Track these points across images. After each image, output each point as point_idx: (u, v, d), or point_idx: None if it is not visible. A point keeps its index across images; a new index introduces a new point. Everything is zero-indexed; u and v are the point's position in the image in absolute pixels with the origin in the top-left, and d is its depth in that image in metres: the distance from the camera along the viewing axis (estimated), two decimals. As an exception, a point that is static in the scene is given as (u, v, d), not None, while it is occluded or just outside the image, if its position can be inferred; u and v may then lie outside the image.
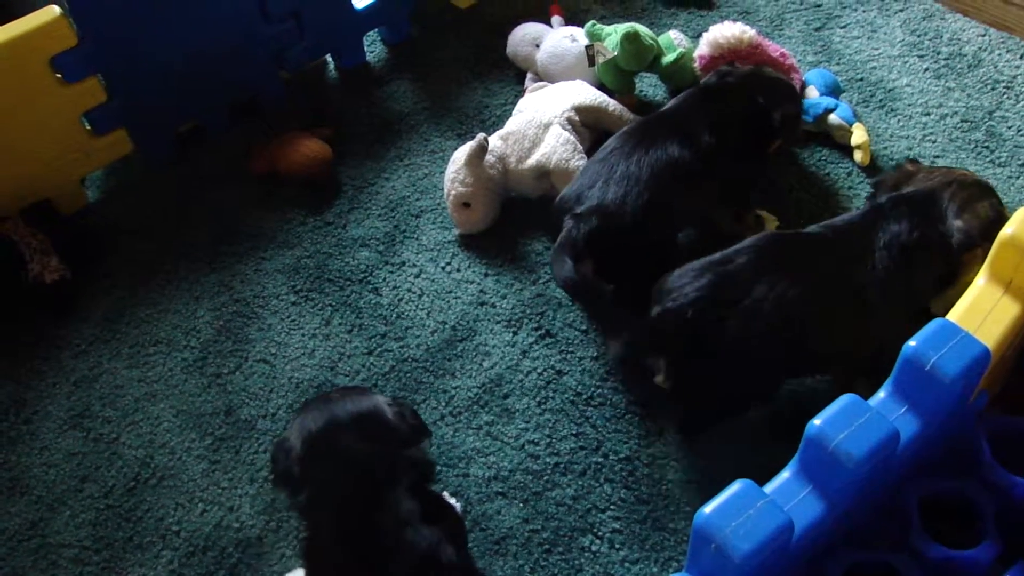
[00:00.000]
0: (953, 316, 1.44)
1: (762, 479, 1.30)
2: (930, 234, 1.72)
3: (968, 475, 1.51)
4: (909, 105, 2.37)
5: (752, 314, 1.64)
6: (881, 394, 1.40)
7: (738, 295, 1.65)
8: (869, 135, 2.26)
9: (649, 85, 2.48)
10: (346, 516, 1.44)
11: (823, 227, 1.80)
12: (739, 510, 1.19)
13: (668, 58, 2.36)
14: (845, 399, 1.29)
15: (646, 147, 1.90)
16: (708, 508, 1.20)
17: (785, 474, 1.32)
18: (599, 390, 1.91)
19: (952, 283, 1.81)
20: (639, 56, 2.31)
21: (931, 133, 2.30)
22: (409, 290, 2.11)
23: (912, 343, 1.34)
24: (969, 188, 1.77)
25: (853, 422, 1.26)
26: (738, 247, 1.74)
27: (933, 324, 1.37)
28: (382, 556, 1.40)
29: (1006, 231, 1.47)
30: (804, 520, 1.27)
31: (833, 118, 2.26)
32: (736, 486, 1.21)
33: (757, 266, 1.68)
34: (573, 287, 1.84)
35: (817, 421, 1.27)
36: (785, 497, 1.29)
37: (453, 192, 2.14)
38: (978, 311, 1.46)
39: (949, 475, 1.51)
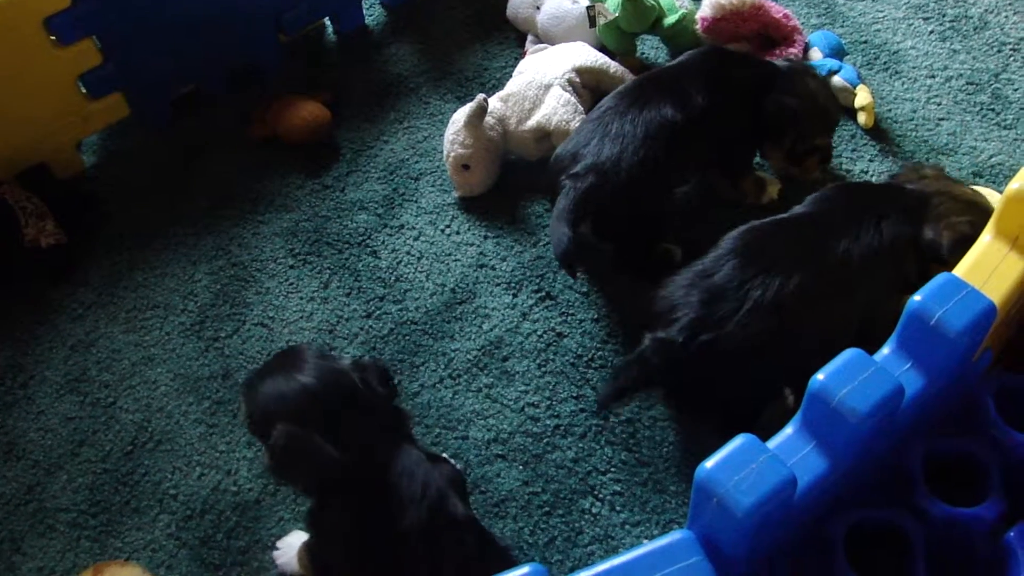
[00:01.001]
0: (959, 271, 1.42)
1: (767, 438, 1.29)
2: (910, 231, 1.72)
3: (973, 433, 1.50)
4: (914, 67, 2.34)
5: (748, 325, 1.60)
6: (885, 350, 1.38)
7: (729, 308, 1.61)
8: (873, 97, 2.23)
9: (651, 47, 2.45)
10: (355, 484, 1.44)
11: (808, 205, 1.79)
12: (741, 464, 1.17)
13: (670, 20, 2.33)
14: (849, 353, 1.27)
15: (640, 106, 1.88)
16: (710, 462, 1.18)
17: (788, 430, 1.30)
18: (600, 352, 1.89)
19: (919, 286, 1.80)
20: (640, 17, 2.29)
21: (936, 95, 2.28)
22: (408, 253, 2.09)
23: (917, 297, 1.33)
24: (957, 202, 1.76)
25: (857, 377, 1.24)
26: (718, 252, 1.69)
27: (938, 279, 1.35)
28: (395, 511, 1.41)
29: (1012, 186, 1.45)
30: (807, 476, 1.26)
31: (837, 80, 2.23)
32: (738, 440, 1.20)
33: (742, 271, 1.64)
34: (566, 259, 1.82)
35: (821, 376, 1.25)
36: (788, 452, 1.27)
37: (452, 154, 2.11)
38: (984, 267, 1.44)
39: (954, 433, 1.49)
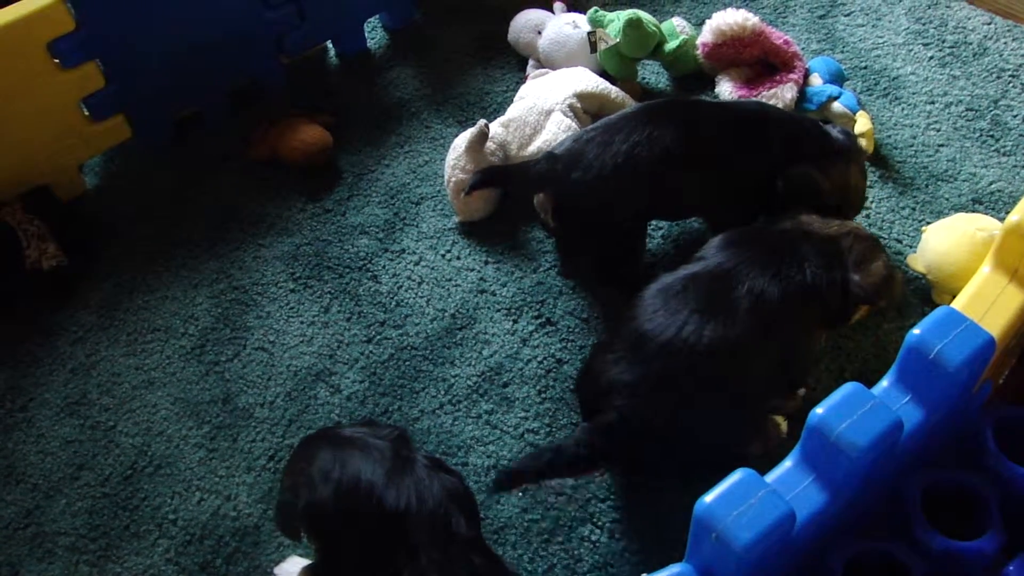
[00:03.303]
0: (958, 304, 1.43)
1: (765, 471, 1.29)
2: (836, 275, 1.68)
3: (972, 466, 1.50)
4: (913, 93, 2.35)
5: (685, 394, 1.57)
6: (884, 383, 1.38)
7: (662, 378, 1.58)
8: (873, 123, 2.24)
9: (652, 72, 2.46)
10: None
11: (718, 252, 1.71)
12: (740, 499, 1.17)
13: (670, 45, 2.34)
14: (848, 388, 1.27)
15: (643, 126, 1.87)
16: (709, 497, 1.19)
17: (787, 463, 1.30)
18: (600, 379, 1.89)
19: (838, 326, 1.81)
20: (641, 43, 2.30)
21: (935, 122, 2.28)
22: (409, 278, 2.09)
23: (916, 331, 1.33)
24: (864, 242, 1.73)
25: (856, 411, 1.24)
26: (635, 314, 1.65)
27: (937, 312, 1.35)
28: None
29: (1011, 219, 1.46)
30: (806, 510, 1.26)
31: (837, 106, 2.24)
32: (737, 475, 1.20)
33: (672, 336, 1.58)
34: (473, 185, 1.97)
35: (819, 410, 1.25)
36: (787, 487, 1.27)
37: (454, 179, 2.12)
38: (983, 299, 1.45)
39: (953, 466, 1.49)
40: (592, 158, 1.86)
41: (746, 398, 1.64)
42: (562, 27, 2.39)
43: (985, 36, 2.46)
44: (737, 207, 1.96)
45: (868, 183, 2.14)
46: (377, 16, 2.64)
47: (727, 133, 1.91)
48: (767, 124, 1.94)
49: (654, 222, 2.12)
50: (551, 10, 2.51)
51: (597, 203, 1.88)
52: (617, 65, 2.35)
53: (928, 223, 2.03)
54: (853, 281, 1.68)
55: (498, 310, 2.02)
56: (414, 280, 2.08)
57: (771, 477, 1.29)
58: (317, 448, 1.49)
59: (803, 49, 2.40)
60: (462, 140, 2.12)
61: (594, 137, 1.89)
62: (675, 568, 1.19)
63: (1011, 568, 1.39)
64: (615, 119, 1.92)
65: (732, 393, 1.60)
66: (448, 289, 2.06)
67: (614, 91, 2.24)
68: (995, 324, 1.40)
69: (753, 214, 1.94)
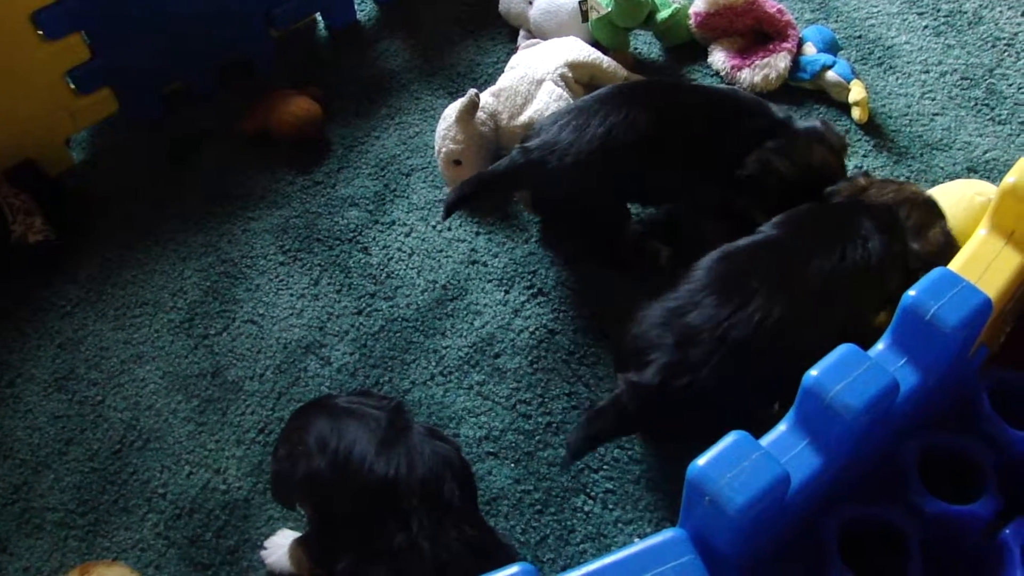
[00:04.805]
0: (954, 266, 1.41)
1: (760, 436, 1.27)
2: (897, 245, 1.67)
3: (968, 430, 1.48)
4: (908, 63, 2.33)
5: (724, 369, 1.54)
6: (880, 345, 1.36)
7: (705, 352, 1.54)
8: (867, 92, 2.22)
9: (644, 43, 2.44)
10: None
11: (780, 228, 1.70)
12: (734, 462, 1.15)
13: (663, 14, 2.32)
14: (843, 349, 1.25)
15: (619, 106, 1.85)
16: (702, 460, 1.17)
17: (781, 426, 1.28)
18: (592, 349, 1.88)
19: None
20: (634, 12, 2.27)
21: (930, 91, 2.26)
22: (399, 249, 2.07)
23: (912, 292, 1.31)
24: (921, 208, 1.73)
25: (851, 373, 1.22)
26: (693, 286, 1.61)
27: (933, 273, 1.33)
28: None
29: (1008, 180, 1.44)
30: (801, 473, 1.24)
31: (831, 75, 2.22)
32: (731, 438, 1.18)
33: (718, 310, 1.55)
34: (448, 208, 1.94)
35: (814, 372, 1.23)
36: (781, 449, 1.25)
37: (444, 150, 2.10)
38: (979, 261, 1.42)
39: (949, 430, 1.48)
40: (567, 144, 1.83)
41: (778, 381, 1.61)
42: (553, -3, 2.36)
43: (980, 5, 2.44)
44: (712, 191, 1.93)
45: (863, 152, 2.13)
46: (367, -12, 2.62)
47: (701, 116, 1.89)
48: (739, 108, 1.92)
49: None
50: (542, -20, 2.49)
51: (575, 189, 1.87)
52: (609, 35, 2.32)
53: (923, 191, 2.01)
54: (913, 252, 1.67)
55: (489, 281, 2.00)
56: (405, 252, 2.07)
57: (765, 440, 1.27)
58: (314, 418, 1.48)
59: (796, 18, 2.38)
60: (452, 110, 2.10)
61: (569, 122, 1.86)
62: (668, 532, 1.17)
63: (1007, 532, 1.38)
64: (589, 101, 1.90)
65: (762, 383, 1.58)
66: (439, 260, 2.04)
67: (606, 61, 2.22)
68: (991, 286, 1.38)
69: (729, 197, 1.91)
